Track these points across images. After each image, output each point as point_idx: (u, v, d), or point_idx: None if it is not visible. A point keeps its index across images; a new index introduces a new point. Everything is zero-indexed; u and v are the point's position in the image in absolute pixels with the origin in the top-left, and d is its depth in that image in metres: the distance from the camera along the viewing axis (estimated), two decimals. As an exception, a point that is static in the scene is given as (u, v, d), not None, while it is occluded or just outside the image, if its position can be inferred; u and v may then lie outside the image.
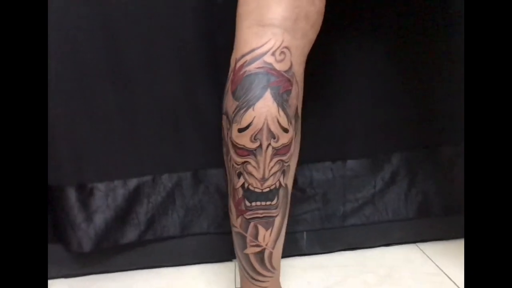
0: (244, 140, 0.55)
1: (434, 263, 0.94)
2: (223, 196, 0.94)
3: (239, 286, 0.85)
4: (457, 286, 0.85)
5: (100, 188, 0.89)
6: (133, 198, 0.91)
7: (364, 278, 0.90)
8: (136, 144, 0.89)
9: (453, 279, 0.87)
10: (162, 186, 0.92)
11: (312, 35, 0.58)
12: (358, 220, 0.99)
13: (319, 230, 0.99)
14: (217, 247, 0.98)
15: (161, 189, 0.92)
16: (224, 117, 0.58)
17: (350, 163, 0.97)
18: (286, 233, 0.65)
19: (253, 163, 0.55)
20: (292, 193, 0.64)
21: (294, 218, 0.97)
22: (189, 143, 0.91)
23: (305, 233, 0.99)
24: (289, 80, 0.55)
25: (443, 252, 0.98)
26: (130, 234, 0.92)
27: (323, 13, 0.59)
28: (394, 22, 0.89)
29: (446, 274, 0.89)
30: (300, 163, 0.87)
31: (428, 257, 0.97)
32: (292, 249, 0.98)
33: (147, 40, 0.84)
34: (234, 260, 1.00)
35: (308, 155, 0.88)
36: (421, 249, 1.01)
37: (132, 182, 0.90)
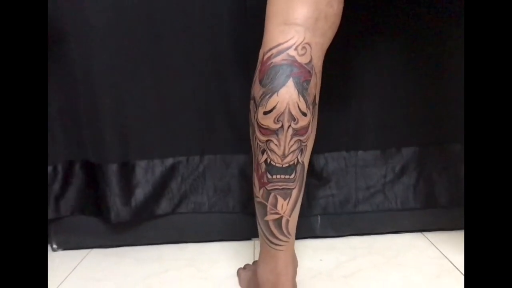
0: (268, 121, 0.62)
1: (438, 249, 1.01)
2: (248, 180, 1.02)
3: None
4: (457, 268, 0.92)
5: (141, 165, 1.00)
6: (169, 175, 1.02)
7: (372, 258, 0.98)
8: (173, 128, 1.00)
9: (453, 263, 0.94)
10: (195, 167, 1.02)
11: (330, 34, 0.66)
12: (369, 207, 1.06)
13: (332, 215, 1.07)
14: (239, 227, 1.06)
15: (193, 169, 1.02)
16: (251, 101, 0.65)
17: (362, 153, 1.04)
18: (302, 216, 0.72)
19: (275, 141, 0.63)
20: (308, 180, 0.71)
21: (309, 203, 1.05)
22: (220, 130, 1.00)
23: (319, 217, 1.07)
24: (309, 72, 0.62)
25: (446, 240, 1.04)
26: (165, 206, 1.03)
27: (340, 15, 0.67)
28: (409, 22, 0.95)
29: (447, 258, 0.96)
30: (316, 152, 0.98)
31: (432, 243, 1.04)
32: (306, 231, 1.06)
33: (186, 32, 0.94)
34: (253, 239, 1.08)
35: (324, 145, 0.97)
36: (426, 237, 1.07)
37: (169, 161, 1.02)
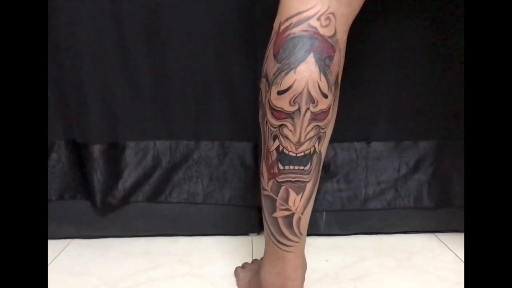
0: (282, 102, 0.55)
1: (453, 252, 0.93)
2: (247, 169, 0.94)
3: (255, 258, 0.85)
4: (477, 275, 0.83)
5: (131, 146, 0.91)
6: (161, 160, 0.93)
7: (381, 260, 0.90)
8: (167, 109, 0.90)
9: (472, 268, 0.85)
10: (189, 152, 0.93)
11: (357, 5, 0.58)
12: (379, 204, 0.97)
13: (339, 211, 0.99)
14: (236, 220, 0.98)
15: (188, 155, 0.93)
16: (263, 80, 0.58)
17: (375, 144, 0.95)
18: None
19: (289, 126, 0.55)
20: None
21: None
22: (219, 114, 0.91)
23: (324, 213, 0.99)
24: (332, 46, 0.54)
25: (462, 243, 0.96)
26: (155, 194, 0.94)
27: None
28: (431, 8, 0.87)
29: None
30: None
31: (446, 246, 0.96)
32: (309, 228, 0.95)
33: (185, 7, 0.84)
34: (251, 234, 1.00)
35: (333, 133, 0.86)
36: (439, 238, 0.99)
37: (162, 144, 0.92)
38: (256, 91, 0.88)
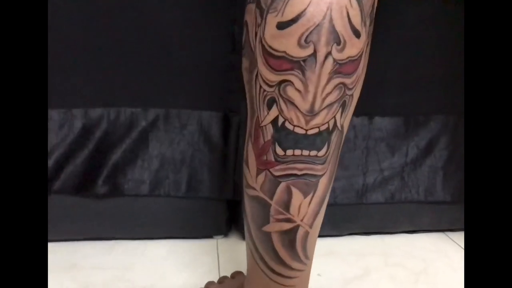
0: (287, 42, 0.38)
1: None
2: (213, 148, 0.74)
3: (223, 275, 0.68)
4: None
5: (54, 116, 0.70)
6: (93, 135, 0.72)
7: (392, 273, 0.72)
8: (102, 65, 0.70)
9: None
10: (133, 124, 0.71)
11: None
12: (381, 197, 0.81)
13: (331, 206, 0.79)
14: (196, 218, 0.80)
15: (130, 128, 0.72)
16: (251, 6, 0.41)
17: (378, 120, 0.80)
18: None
19: (297, 83, 0.39)
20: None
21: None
22: (174, 72, 0.71)
23: (312, 208, 0.80)
24: None
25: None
26: (84, 183, 0.72)
27: None
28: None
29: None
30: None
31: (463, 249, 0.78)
32: None
33: None
34: (216, 237, 0.82)
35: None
36: (452, 239, 0.84)
37: (94, 113, 0.71)
38: (227, 36, 0.69)
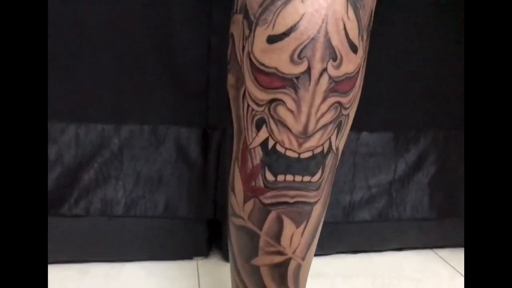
0: (278, 58, 0.35)
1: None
2: (191, 166, 0.70)
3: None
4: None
5: None
6: (62, 152, 0.68)
7: None
8: (75, 79, 0.66)
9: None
10: (106, 141, 0.68)
11: None
12: (368, 215, 0.79)
13: None
14: (174, 239, 0.76)
15: (103, 145, 0.68)
16: (237, 17, 0.38)
17: (366, 136, 0.77)
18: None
19: (289, 103, 0.36)
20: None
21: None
22: (150, 85, 0.67)
23: (297, 226, 0.76)
24: None
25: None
26: (54, 203, 0.68)
27: None
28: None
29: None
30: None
31: (455, 269, 0.78)
32: None
33: None
34: (196, 258, 0.78)
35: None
36: (441, 257, 0.82)
37: (65, 129, 0.67)
38: (205, 47, 0.66)
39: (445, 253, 0.82)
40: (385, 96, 0.76)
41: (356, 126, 0.73)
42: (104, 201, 0.69)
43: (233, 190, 0.41)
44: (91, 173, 0.68)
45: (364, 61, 0.39)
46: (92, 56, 0.64)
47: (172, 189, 0.71)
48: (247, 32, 0.37)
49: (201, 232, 0.76)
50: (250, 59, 0.36)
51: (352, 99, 0.38)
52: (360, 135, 0.76)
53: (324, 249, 0.79)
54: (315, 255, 0.77)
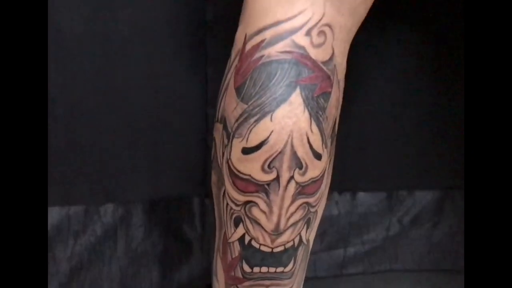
0: (251, 167, 0.40)
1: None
2: (188, 244, 0.71)
3: None
4: None
5: None
6: (53, 237, 0.67)
7: None
8: (72, 157, 0.66)
9: None
10: (98, 222, 0.68)
11: (362, 12, 0.44)
12: (360, 268, 0.82)
13: (311, 280, 0.79)
14: None
15: (96, 226, 0.68)
16: (218, 126, 0.43)
17: (362, 196, 0.80)
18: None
19: (262, 205, 0.41)
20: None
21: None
22: (146, 163, 0.67)
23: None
24: (329, 78, 0.41)
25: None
26: None
27: None
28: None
29: None
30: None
31: None
32: None
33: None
34: None
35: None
36: None
37: (54, 214, 0.66)
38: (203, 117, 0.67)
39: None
40: (380, 160, 0.78)
41: (352, 188, 0.78)
42: (95, 281, 0.70)
43: (216, 276, 0.46)
44: (84, 253, 0.68)
45: (329, 163, 0.44)
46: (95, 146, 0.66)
47: (168, 268, 0.72)
48: (226, 141, 0.42)
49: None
50: (229, 165, 0.41)
51: (319, 198, 0.43)
52: (356, 196, 0.79)
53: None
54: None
